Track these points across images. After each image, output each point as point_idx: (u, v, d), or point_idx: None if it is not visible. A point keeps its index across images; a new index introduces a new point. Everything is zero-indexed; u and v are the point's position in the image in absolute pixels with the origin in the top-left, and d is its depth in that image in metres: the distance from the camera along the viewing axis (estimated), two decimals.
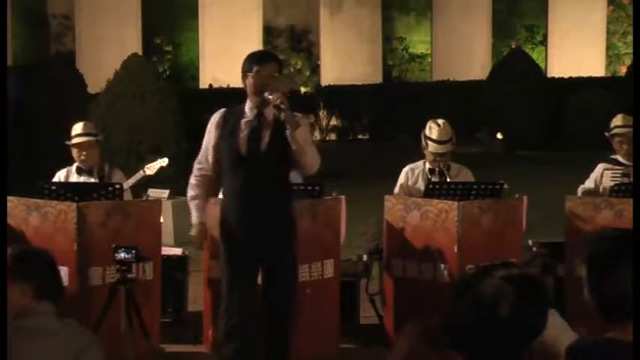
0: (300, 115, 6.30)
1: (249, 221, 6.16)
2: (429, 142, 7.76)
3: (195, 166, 6.47)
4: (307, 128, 6.27)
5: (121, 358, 6.54)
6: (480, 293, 2.88)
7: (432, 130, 7.78)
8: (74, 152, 7.97)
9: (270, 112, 6.15)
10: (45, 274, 3.83)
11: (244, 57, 6.43)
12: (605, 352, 3.00)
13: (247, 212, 6.16)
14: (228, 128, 6.25)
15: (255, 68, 6.17)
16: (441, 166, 7.78)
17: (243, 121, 6.22)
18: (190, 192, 6.43)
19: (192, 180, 6.44)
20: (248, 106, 6.25)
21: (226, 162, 6.25)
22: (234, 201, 6.22)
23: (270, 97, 6.03)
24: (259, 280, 6.37)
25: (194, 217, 6.41)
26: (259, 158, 6.15)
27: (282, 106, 5.99)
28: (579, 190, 8.01)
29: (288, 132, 6.04)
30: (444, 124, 7.81)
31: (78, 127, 8.06)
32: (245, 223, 6.18)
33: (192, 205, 6.42)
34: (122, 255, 6.53)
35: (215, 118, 6.37)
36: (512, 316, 2.84)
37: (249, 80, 6.19)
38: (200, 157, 6.44)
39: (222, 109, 6.41)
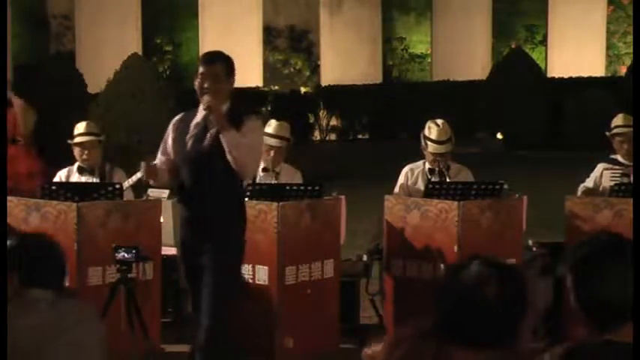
0: (255, 117, 6.40)
1: (190, 219, 6.29)
2: (429, 143, 7.77)
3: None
4: (251, 132, 6.26)
5: (121, 358, 6.53)
6: (463, 283, 2.96)
7: (432, 130, 7.79)
8: (76, 151, 7.99)
9: None
10: (32, 263, 3.81)
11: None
12: (602, 353, 3.00)
13: (190, 211, 6.30)
14: (180, 130, 6.36)
15: (200, 70, 6.23)
16: (441, 166, 7.79)
17: (193, 123, 6.30)
18: None
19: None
20: (200, 108, 6.32)
21: (178, 163, 6.35)
22: (181, 200, 6.39)
23: (203, 99, 6.13)
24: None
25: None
26: (202, 158, 6.21)
27: (209, 110, 6.08)
28: (580, 189, 8.01)
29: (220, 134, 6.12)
30: (443, 124, 7.82)
31: (80, 127, 8.08)
32: (187, 222, 6.32)
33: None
34: (122, 254, 6.53)
35: (173, 121, 6.50)
36: (499, 295, 2.91)
37: (196, 82, 6.25)
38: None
39: (181, 114, 6.52)
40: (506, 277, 2.98)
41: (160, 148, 6.53)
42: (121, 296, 6.55)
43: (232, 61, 6.37)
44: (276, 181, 7.80)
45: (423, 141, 7.84)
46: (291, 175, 7.99)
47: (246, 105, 6.64)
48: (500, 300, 2.92)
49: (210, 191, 6.22)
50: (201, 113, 6.29)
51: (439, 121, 7.84)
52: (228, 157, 6.10)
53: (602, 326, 3.01)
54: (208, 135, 6.20)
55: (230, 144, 6.09)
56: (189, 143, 6.26)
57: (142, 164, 6.38)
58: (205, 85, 6.17)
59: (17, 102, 11.26)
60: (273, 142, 7.86)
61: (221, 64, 6.26)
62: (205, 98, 6.13)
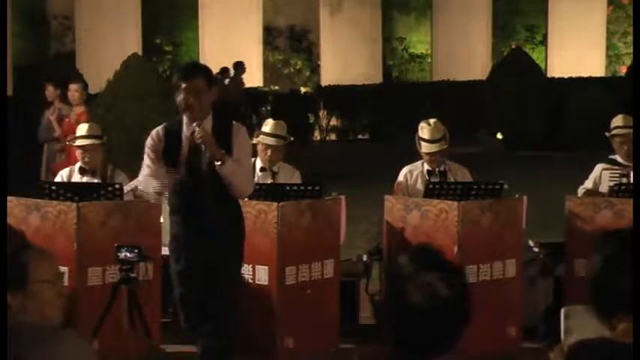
0: (238, 125, 6.32)
1: (191, 234, 6.24)
2: (422, 143, 7.77)
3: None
4: (243, 150, 6.25)
5: (123, 357, 6.54)
6: (405, 292, 2.87)
7: (424, 130, 7.79)
8: (78, 153, 7.98)
9: (207, 126, 6.17)
10: None
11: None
12: (602, 353, 3.00)
13: (189, 226, 6.24)
14: (172, 144, 6.27)
15: (182, 85, 6.12)
16: (439, 166, 7.78)
17: (183, 137, 6.23)
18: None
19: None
20: (185, 120, 6.26)
21: (169, 179, 6.28)
22: (177, 218, 6.30)
23: (196, 134, 6.04)
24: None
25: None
26: (200, 177, 6.17)
27: (203, 144, 6.04)
28: (579, 192, 8.00)
29: (216, 165, 6.07)
30: (435, 123, 7.81)
31: (82, 129, 8.06)
32: (187, 236, 6.26)
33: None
34: (125, 254, 6.53)
35: (155, 138, 6.37)
36: (437, 301, 2.83)
37: (179, 97, 6.15)
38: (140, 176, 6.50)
39: (161, 128, 6.41)
40: (444, 282, 2.89)
41: (149, 159, 6.41)
42: (123, 296, 6.54)
43: (211, 72, 6.34)
44: (272, 181, 7.79)
45: (417, 142, 7.84)
46: (289, 175, 7.98)
47: (246, 105, 6.65)
48: (439, 305, 2.84)
49: (211, 206, 6.19)
50: (187, 127, 6.22)
51: (431, 121, 7.84)
52: (227, 183, 6.11)
53: (615, 318, 3.01)
54: (203, 158, 6.15)
55: (228, 175, 6.09)
56: (183, 161, 6.20)
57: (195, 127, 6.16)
58: (190, 101, 6.09)
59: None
60: (269, 140, 7.85)
61: (202, 77, 6.18)
62: (197, 134, 6.04)
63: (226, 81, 21.73)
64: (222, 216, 6.22)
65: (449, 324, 2.85)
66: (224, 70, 21.79)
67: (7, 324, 3.52)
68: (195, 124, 6.06)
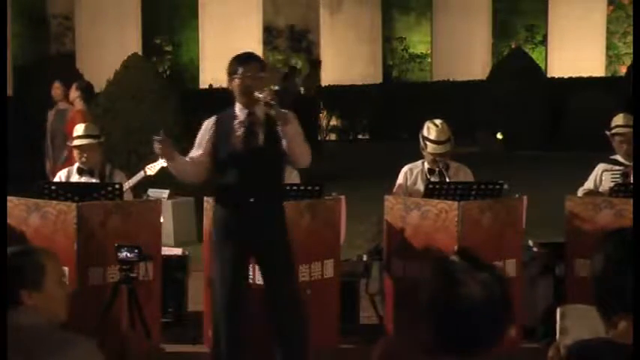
0: (288, 112, 6.48)
1: (244, 216, 6.34)
2: (428, 143, 7.74)
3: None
4: (296, 123, 6.41)
5: (123, 357, 6.54)
6: (454, 294, 2.91)
7: (430, 130, 7.77)
8: (75, 153, 7.97)
9: (260, 111, 6.36)
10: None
11: None
12: (602, 353, 3.00)
13: (244, 208, 6.34)
14: (222, 132, 6.45)
15: (240, 70, 6.38)
16: (440, 166, 7.78)
17: (235, 122, 6.42)
18: None
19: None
20: (238, 108, 6.45)
21: (224, 163, 6.42)
22: (231, 198, 6.41)
23: (260, 95, 6.24)
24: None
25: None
26: (256, 155, 6.35)
27: (272, 103, 6.22)
28: (579, 193, 8.00)
29: (279, 127, 6.24)
30: (441, 124, 7.80)
31: (80, 129, 8.04)
32: (241, 219, 6.35)
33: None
34: (125, 254, 6.53)
35: (208, 124, 6.57)
36: (485, 300, 2.90)
37: (236, 82, 6.40)
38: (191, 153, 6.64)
39: (214, 116, 6.60)
40: (489, 280, 2.96)
41: (195, 148, 6.58)
42: (123, 295, 6.55)
43: (263, 60, 6.66)
44: None
45: (422, 141, 7.82)
46: (287, 174, 7.98)
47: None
48: (488, 304, 2.91)
49: (266, 188, 6.36)
50: (242, 112, 6.41)
51: (438, 122, 7.83)
52: (290, 148, 6.25)
53: (616, 317, 3.01)
54: (260, 131, 6.34)
55: (291, 135, 6.24)
56: (239, 142, 6.37)
57: (155, 138, 6.40)
58: (248, 84, 6.31)
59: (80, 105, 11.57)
60: None
61: (258, 62, 6.48)
62: (264, 94, 6.24)
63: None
64: (270, 201, 6.39)
65: (496, 323, 2.91)
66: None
67: (16, 324, 3.53)
68: (256, 93, 6.24)
